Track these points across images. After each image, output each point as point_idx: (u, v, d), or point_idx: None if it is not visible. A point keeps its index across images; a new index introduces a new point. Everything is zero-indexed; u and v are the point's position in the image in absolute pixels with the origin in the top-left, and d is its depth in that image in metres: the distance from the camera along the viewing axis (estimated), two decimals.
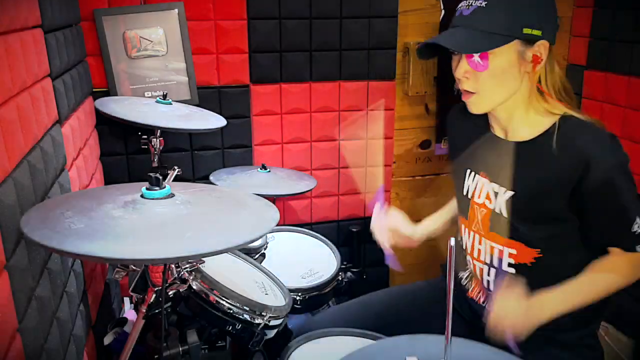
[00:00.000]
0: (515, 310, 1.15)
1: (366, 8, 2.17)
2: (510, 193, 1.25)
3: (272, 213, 1.00)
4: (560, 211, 1.21)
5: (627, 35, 2.05)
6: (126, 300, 2.04)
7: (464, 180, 1.38)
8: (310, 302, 1.69)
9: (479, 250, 1.35)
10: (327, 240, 1.99)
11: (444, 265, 1.54)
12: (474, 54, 1.17)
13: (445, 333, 0.76)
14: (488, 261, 1.33)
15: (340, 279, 1.79)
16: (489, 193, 1.30)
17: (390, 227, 1.48)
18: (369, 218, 2.48)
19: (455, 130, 1.48)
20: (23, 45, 1.12)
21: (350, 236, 2.36)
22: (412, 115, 2.40)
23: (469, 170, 1.37)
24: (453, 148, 1.49)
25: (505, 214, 1.26)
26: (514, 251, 1.27)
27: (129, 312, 1.94)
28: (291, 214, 2.36)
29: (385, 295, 1.60)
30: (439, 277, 1.60)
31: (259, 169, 2.03)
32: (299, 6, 2.11)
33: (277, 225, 0.99)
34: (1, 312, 0.86)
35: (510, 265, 1.29)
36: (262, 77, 2.16)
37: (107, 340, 1.58)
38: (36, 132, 1.15)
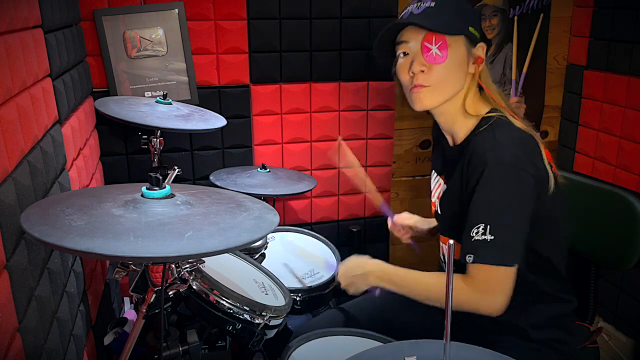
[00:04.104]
0: (355, 269, 1.40)
1: (366, 8, 2.17)
2: (444, 192, 1.35)
3: (272, 216, 1.00)
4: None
5: (627, 35, 2.06)
6: (126, 300, 2.04)
7: (431, 180, 1.48)
8: (310, 302, 1.69)
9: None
10: (327, 240, 1.99)
11: (440, 262, 1.58)
12: (432, 47, 1.22)
13: (444, 332, 0.76)
14: (441, 255, 1.45)
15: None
16: (440, 193, 1.38)
17: (406, 226, 1.66)
18: (369, 218, 2.50)
19: (434, 134, 1.54)
20: (23, 45, 1.12)
21: (351, 236, 2.36)
22: (412, 115, 2.40)
23: (434, 172, 1.47)
24: (433, 149, 1.58)
25: (439, 210, 1.37)
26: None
27: (129, 312, 1.94)
28: (291, 214, 2.36)
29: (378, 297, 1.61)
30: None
31: (259, 169, 2.03)
32: (299, 6, 2.11)
33: (277, 225, 0.99)
34: (1, 312, 0.86)
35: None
36: (262, 77, 2.16)
37: (107, 340, 1.58)
38: (36, 132, 1.15)
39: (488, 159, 1.16)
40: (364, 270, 1.39)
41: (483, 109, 1.28)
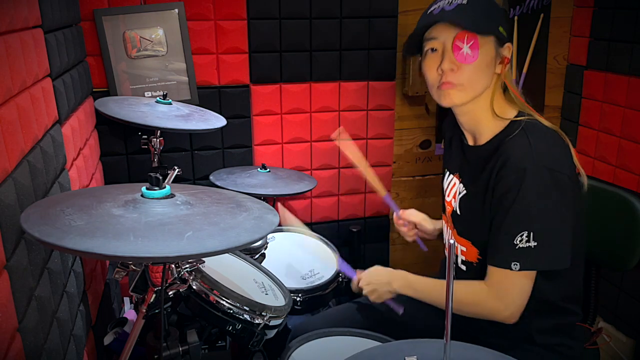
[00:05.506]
0: (379, 276, 1.40)
1: (366, 8, 2.17)
2: (464, 192, 1.33)
3: (272, 216, 1.00)
4: (490, 216, 1.24)
5: (627, 35, 2.06)
6: (126, 300, 2.04)
7: (444, 178, 1.46)
8: (310, 302, 1.69)
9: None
10: (327, 240, 1.99)
11: (443, 261, 1.57)
12: (463, 46, 1.20)
13: (445, 332, 0.76)
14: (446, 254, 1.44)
15: (340, 279, 1.79)
16: (455, 192, 1.36)
17: (412, 222, 1.64)
18: (369, 218, 2.50)
19: (448, 132, 1.52)
20: (23, 45, 1.12)
21: (350, 236, 2.36)
22: (412, 115, 2.40)
23: (447, 171, 1.44)
24: (445, 148, 1.55)
25: (458, 211, 1.34)
26: (464, 249, 1.33)
27: (129, 312, 1.94)
28: (291, 214, 2.35)
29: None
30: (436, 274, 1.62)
31: (259, 169, 2.03)
32: (299, 6, 2.11)
33: (277, 225, 0.99)
34: (1, 312, 0.86)
35: (462, 262, 1.35)
36: (262, 77, 2.16)
37: (107, 340, 1.58)
38: (36, 132, 1.15)
39: (527, 167, 1.15)
40: (389, 279, 1.39)
41: (510, 111, 1.27)
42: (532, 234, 1.15)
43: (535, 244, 1.16)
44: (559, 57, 2.43)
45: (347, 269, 1.56)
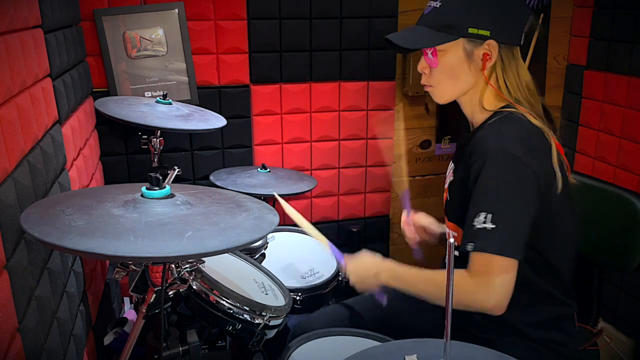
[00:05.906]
0: (366, 268, 1.36)
1: (366, 8, 2.17)
2: (452, 179, 1.35)
3: (272, 216, 1.01)
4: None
5: (627, 35, 2.06)
6: (126, 300, 2.04)
7: (447, 170, 1.46)
8: (310, 302, 1.69)
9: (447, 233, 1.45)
10: (327, 240, 1.98)
11: (443, 258, 1.57)
12: (428, 52, 1.25)
13: (445, 331, 0.76)
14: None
15: (340, 279, 1.79)
16: (449, 181, 1.38)
17: (419, 226, 1.61)
18: (369, 218, 2.50)
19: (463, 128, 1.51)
20: (23, 45, 1.12)
21: (351, 236, 2.36)
22: (412, 115, 2.40)
23: (452, 162, 1.45)
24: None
25: (449, 197, 1.36)
26: (455, 234, 1.33)
27: (129, 312, 1.94)
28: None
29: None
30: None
31: (259, 169, 2.03)
32: (299, 6, 2.11)
33: (277, 225, 0.99)
34: (1, 312, 0.86)
35: (455, 247, 1.32)
36: (262, 77, 2.16)
37: (107, 340, 1.58)
38: (36, 132, 1.15)
39: (489, 148, 1.15)
40: (376, 270, 1.36)
41: (499, 105, 1.27)
42: (489, 215, 1.13)
43: (493, 226, 1.13)
44: (559, 57, 2.43)
45: (337, 253, 1.52)
